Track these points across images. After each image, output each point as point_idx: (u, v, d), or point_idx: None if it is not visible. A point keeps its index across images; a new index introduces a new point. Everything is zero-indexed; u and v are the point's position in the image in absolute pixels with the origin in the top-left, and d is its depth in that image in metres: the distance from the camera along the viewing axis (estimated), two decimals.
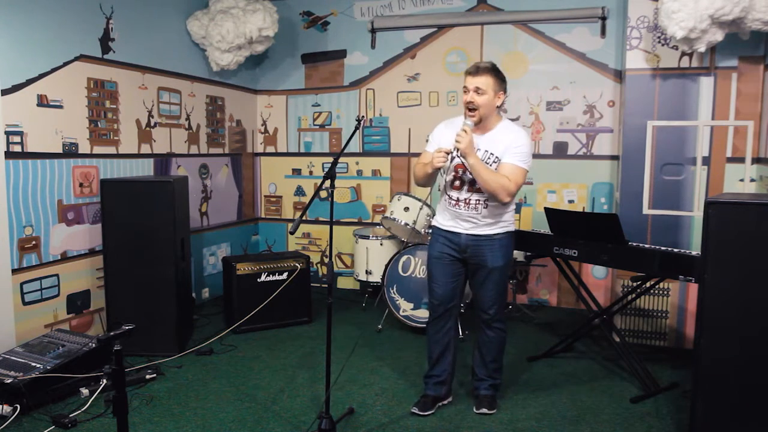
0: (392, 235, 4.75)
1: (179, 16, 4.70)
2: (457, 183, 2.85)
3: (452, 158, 2.73)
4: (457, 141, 2.66)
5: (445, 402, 3.13)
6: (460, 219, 2.87)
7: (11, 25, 3.34)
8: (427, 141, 3.04)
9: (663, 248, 3.26)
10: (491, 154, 2.79)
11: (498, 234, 2.86)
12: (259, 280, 4.30)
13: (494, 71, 2.74)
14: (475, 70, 2.72)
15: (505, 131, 2.81)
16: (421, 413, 2.99)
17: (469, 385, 3.24)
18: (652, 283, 3.46)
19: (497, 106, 2.80)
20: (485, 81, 2.70)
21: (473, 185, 2.80)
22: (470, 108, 2.73)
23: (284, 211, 5.81)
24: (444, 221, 2.95)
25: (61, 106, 3.68)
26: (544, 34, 4.87)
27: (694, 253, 3.10)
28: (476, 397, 3.11)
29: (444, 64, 5.12)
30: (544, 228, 3.86)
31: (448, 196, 2.89)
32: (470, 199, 2.82)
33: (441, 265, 2.96)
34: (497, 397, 3.13)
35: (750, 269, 2.39)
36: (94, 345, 3.31)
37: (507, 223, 2.89)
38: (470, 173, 2.75)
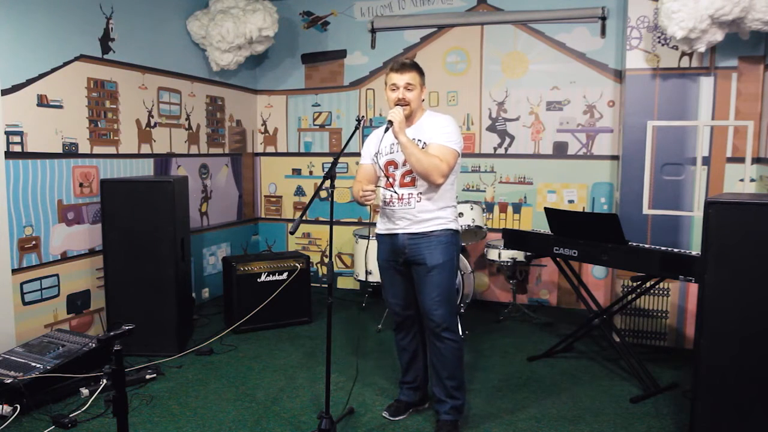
0: None
1: (179, 16, 4.71)
2: (390, 180, 2.80)
3: (386, 129, 2.70)
4: (391, 115, 2.64)
5: (420, 408, 3.05)
6: (395, 218, 2.79)
7: (11, 25, 3.34)
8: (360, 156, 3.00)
9: (663, 248, 3.26)
10: (419, 140, 2.75)
11: (436, 231, 2.75)
12: (259, 280, 4.30)
13: (418, 67, 2.79)
14: (401, 67, 2.74)
15: (429, 119, 2.82)
16: (391, 418, 2.96)
17: (470, 384, 3.23)
18: (652, 283, 3.47)
19: (422, 100, 2.83)
20: (413, 77, 2.73)
21: (404, 179, 2.75)
22: (403, 105, 2.73)
23: (284, 211, 5.81)
24: (381, 226, 2.88)
25: (61, 106, 3.68)
26: (544, 34, 4.86)
27: (694, 253, 3.11)
28: (436, 422, 2.84)
29: (444, 64, 5.12)
30: (544, 228, 3.87)
31: (383, 197, 2.84)
32: (402, 195, 2.76)
33: (388, 274, 2.90)
34: (460, 422, 2.85)
35: (750, 269, 2.39)
36: (94, 345, 3.31)
37: (446, 221, 2.78)
38: (401, 165, 2.74)
